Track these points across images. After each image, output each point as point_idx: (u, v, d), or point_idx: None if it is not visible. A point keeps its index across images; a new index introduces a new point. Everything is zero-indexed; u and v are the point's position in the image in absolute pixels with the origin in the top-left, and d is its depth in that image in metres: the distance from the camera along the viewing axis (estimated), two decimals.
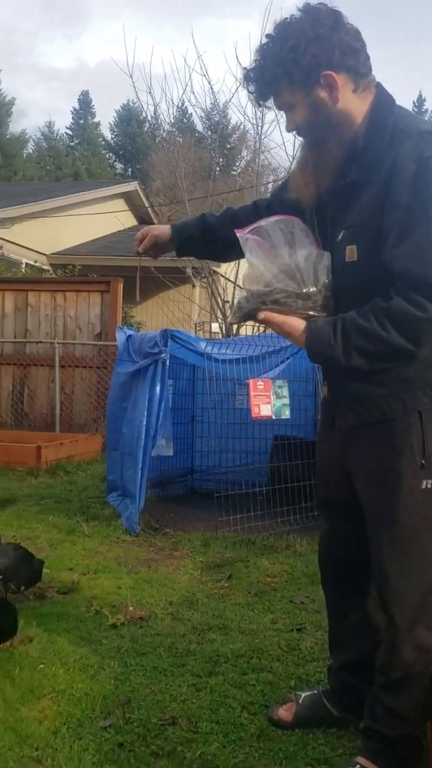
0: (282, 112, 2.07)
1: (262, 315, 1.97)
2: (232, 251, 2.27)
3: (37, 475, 6.74)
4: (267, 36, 1.96)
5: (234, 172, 15.67)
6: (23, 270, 14.41)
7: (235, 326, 9.90)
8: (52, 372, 8.89)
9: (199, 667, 2.80)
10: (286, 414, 5.03)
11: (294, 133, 2.08)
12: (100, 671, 2.73)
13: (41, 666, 2.74)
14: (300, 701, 2.37)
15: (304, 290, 1.96)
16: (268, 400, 4.88)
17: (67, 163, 44.08)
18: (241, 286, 2.05)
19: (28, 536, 4.72)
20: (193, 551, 4.51)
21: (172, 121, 14.74)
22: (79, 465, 7.29)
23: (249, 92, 2.06)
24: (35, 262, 14.92)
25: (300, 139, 2.13)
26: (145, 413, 4.98)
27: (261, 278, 1.97)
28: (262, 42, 1.97)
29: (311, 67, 1.90)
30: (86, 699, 2.51)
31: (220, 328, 9.96)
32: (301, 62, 1.90)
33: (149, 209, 19.98)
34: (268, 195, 2.50)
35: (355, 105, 1.96)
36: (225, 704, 2.51)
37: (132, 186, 19.61)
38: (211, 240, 2.43)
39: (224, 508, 4.96)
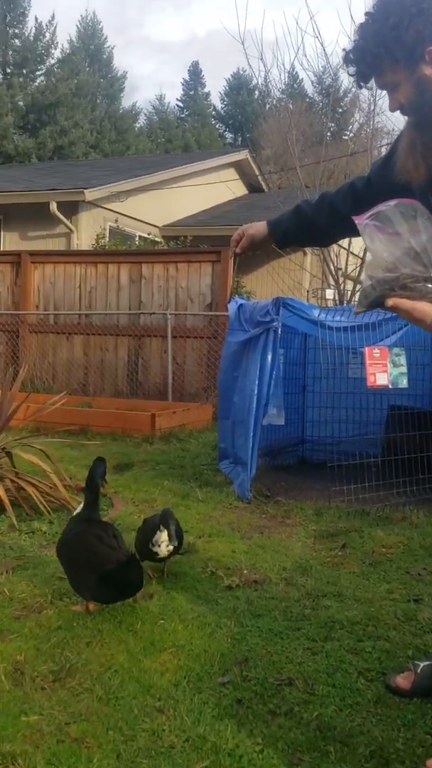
0: (385, 91, 1.99)
1: (390, 302, 1.90)
2: (332, 237, 2.31)
3: (152, 442, 6.95)
4: (366, 14, 1.87)
5: (346, 137, 15.22)
6: (137, 242, 14.73)
7: (349, 293, 9.72)
8: (165, 343, 9.08)
9: (314, 631, 2.81)
10: (404, 383, 4.89)
11: (398, 112, 1.99)
12: (218, 630, 2.80)
13: (161, 621, 2.84)
14: (419, 671, 2.34)
15: None
16: (385, 369, 4.76)
17: (178, 135, 44.35)
18: (366, 274, 1.98)
19: (145, 499, 4.89)
20: (306, 520, 4.52)
21: (283, 87, 14.51)
22: (191, 433, 7.44)
23: (349, 74, 1.99)
24: (148, 234, 15.20)
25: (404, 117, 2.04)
26: (257, 382, 5.00)
27: (385, 264, 1.90)
28: (362, 20, 1.90)
29: (415, 43, 1.80)
30: (205, 655, 2.59)
31: (334, 295, 9.79)
32: (405, 39, 1.80)
33: (259, 177, 19.83)
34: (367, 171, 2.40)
35: None
36: (341, 669, 2.52)
37: (242, 155, 19.49)
38: (308, 230, 2.43)
39: (337, 478, 4.93)
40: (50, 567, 3.44)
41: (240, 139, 47.18)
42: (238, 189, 19.64)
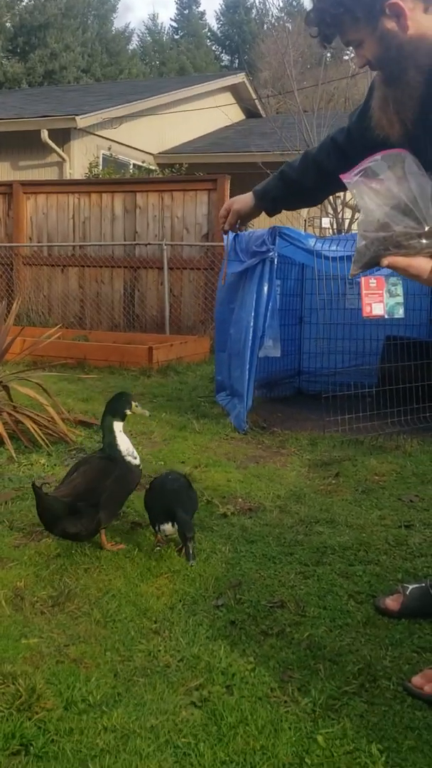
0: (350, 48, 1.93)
1: (386, 261, 1.87)
2: (322, 195, 2.35)
3: (150, 375, 6.96)
4: None
5: (347, 57, 14.64)
6: (131, 171, 14.38)
7: (347, 222, 9.54)
8: (161, 274, 8.98)
9: (306, 556, 2.89)
10: (400, 313, 4.79)
11: (366, 68, 1.93)
12: (212, 555, 2.88)
13: (157, 548, 2.91)
14: (407, 593, 2.41)
15: (426, 228, 1.84)
16: (381, 299, 4.68)
17: (172, 58, 42.69)
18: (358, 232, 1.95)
19: (143, 431, 4.93)
20: (301, 449, 4.57)
21: (281, 5, 13.81)
22: (188, 366, 7.45)
23: (312, 36, 1.93)
24: (143, 162, 14.83)
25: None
26: (253, 314, 4.97)
27: (378, 223, 1.85)
28: None
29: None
30: (200, 580, 2.67)
31: (331, 224, 9.62)
32: None
33: (257, 102, 19.21)
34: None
35: (430, 25, 1.78)
36: (332, 592, 2.59)
37: (239, 78, 18.82)
38: (298, 193, 2.40)
39: (332, 408, 4.96)
40: None
41: (237, 61, 45.46)
42: (235, 114, 19.05)
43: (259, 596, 2.55)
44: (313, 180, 2.32)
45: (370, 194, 1.87)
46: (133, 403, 3.10)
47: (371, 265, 1.91)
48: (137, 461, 3.02)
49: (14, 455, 4.18)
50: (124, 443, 3.02)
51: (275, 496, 3.65)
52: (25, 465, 4.11)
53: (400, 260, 1.85)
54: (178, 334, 8.84)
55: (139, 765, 1.68)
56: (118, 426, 3.05)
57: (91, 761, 1.69)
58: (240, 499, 3.57)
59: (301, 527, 3.21)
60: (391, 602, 2.45)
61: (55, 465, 4.12)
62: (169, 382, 6.74)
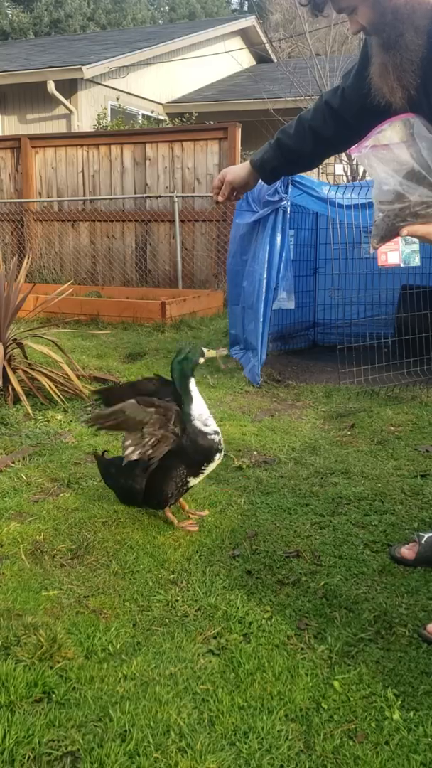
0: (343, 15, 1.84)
1: (405, 231, 1.82)
2: (321, 159, 2.32)
3: (163, 330, 6.93)
4: None
5: None
6: (140, 122, 14.09)
7: (361, 169, 9.30)
8: (173, 227, 8.86)
9: (322, 507, 2.90)
10: (416, 261, 4.69)
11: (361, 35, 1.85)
12: (228, 507, 2.90)
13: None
14: (423, 542, 2.42)
15: None
16: (397, 247, 4.59)
17: (181, 3, 41.36)
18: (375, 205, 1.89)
19: None
20: (316, 402, 4.56)
21: None
22: (202, 320, 7.41)
23: (302, 5, 1.85)
24: (152, 112, 14.53)
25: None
26: (266, 266, 4.90)
27: (392, 193, 1.80)
28: None
29: None
30: (216, 531, 2.69)
31: (345, 171, 9.40)
32: None
33: (268, 46, 18.63)
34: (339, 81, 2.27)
35: None
36: (347, 542, 2.61)
37: (249, 21, 18.24)
38: (296, 161, 2.35)
39: (347, 360, 4.92)
40: (66, 453, 3.53)
41: (247, 3, 43.94)
42: (246, 60, 18.53)
43: (275, 546, 2.57)
44: (310, 147, 2.26)
45: (382, 165, 1.82)
46: (204, 349, 2.75)
47: (390, 235, 1.87)
48: (209, 429, 2.64)
49: (31, 412, 4.20)
50: (198, 407, 2.65)
51: (290, 448, 3.66)
52: (41, 422, 4.13)
53: (420, 228, 1.81)
54: (191, 288, 8.77)
55: (158, 711, 1.72)
56: (192, 384, 2.69)
57: (112, 708, 1.73)
58: (255, 452, 3.58)
59: (317, 478, 3.22)
60: (407, 551, 2.46)
61: (71, 421, 4.14)
62: (183, 337, 6.71)
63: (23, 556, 2.49)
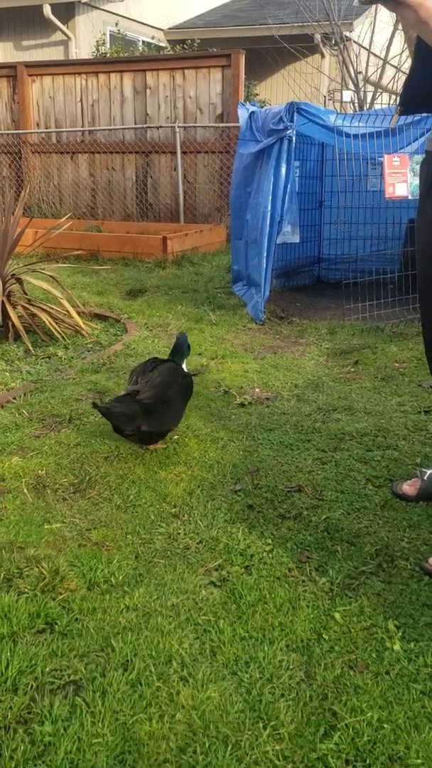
0: None
1: None
2: None
3: (164, 267, 6.82)
4: None
5: None
6: (140, 49, 13.54)
7: (369, 97, 8.97)
8: (174, 159, 8.62)
9: (324, 443, 2.88)
10: None
11: None
12: (230, 443, 2.88)
13: (176, 437, 2.92)
14: (425, 477, 2.40)
15: None
16: (405, 179, 4.49)
17: None
18: None
19: (159, 324, 4.87)
20: (319, 338, 4.50)
21: None
22: (204, 256, 7.27)
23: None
24: (152, 38, 13.94)
25: None
26: (270, 198, 4.77)
27: None
28: None
29: None
30: (217, 466, 2.68)
31: (352, 99, 9.05)
32: None
33: None
34: None
35: None
36: (350, 477, 2.60)
37: None
38: None
39: (352, 296, 4.84)
40: (68, 389, 3.50)
41: None
42: None
43: (277, 481, 2.56)
44: None
45: None
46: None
47: None
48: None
49: (31, 348, 4.16)
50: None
51: (293, 385, 3.62)
52: (42, 358, 4.09)
53: None
54: (193, 222, 8.59)
55: (160, 641, 1.73)
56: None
57: (114, 638, 1.74)
58: (257, 389, 3.55)
59: (319, 415, 3.19)
60: (408, 487, 2.45)
61: (72, 358, 4.10)
62: (185, 273, 6.61)
63: (25, 490, 2.49)
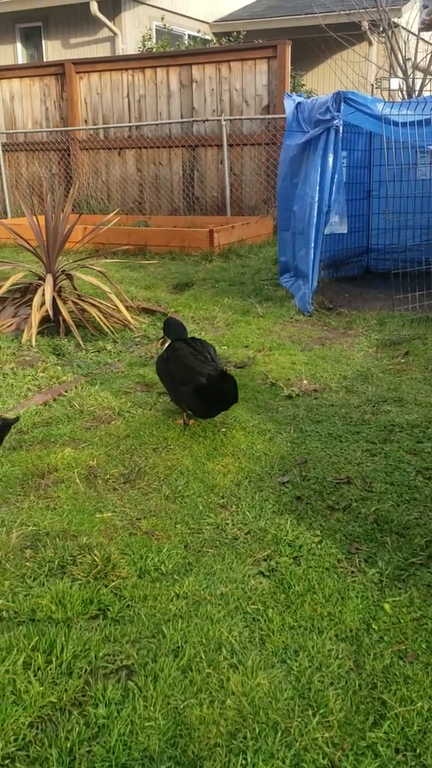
0: None
1: None
2: None
3: (211, 260, 6.84)
4: None
5: None
6: (186, 43, 13.56)
7: (418, 84, 8.77)
8: (220, 152, 8.62)
9: (373, 434, 2.86)
10: None
11: None
12: (277, 435, 2.88)
13: (223, 429, 2.94)
14: None
15: None
16: None
17: None
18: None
19: (205, 317, 4.90)
20: (368, 329, 4.46)
21: None
22: (251, 248, 7.27)
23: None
24: (198, 32, 13.94)
25: None
26: (317, 188, 4.73)
27: None
28: None
29: None
30: (265, 458, 2.69)
31: (400, 86, 8.90)
32: None
33: None
34: None
35: None
36: (399, 468, 2.58)
37: None
38: None
39: (402, 286, 4.78)
40: (117, 382, 3.56)
41: None
42: None
43: (325, 473, 2.56)
44: None
45: None
46: None
47: None
48: None
49: (81, 343, 4.23)
50: None
51: (341, 376, 3.60)
52: (92, 352, 4.16)
53: None
54: (239, 215, 8.58)
55: (210, 629, 1.75)
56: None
57: (165, 625, 1.77)
58: (305, 381, 3.54)
59: (368, 406, 3.17)
60: None
61: (120, 351, 4.16)
62: (231, 265, 6.62)
63: (77, 480, 2.55)
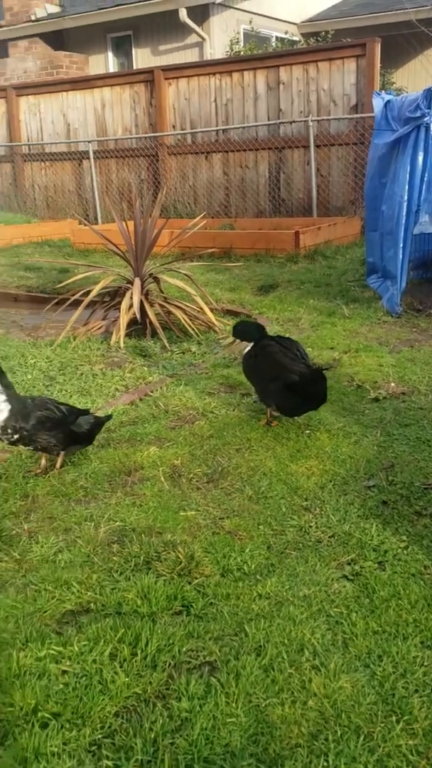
0: None
1: None
2: None
3: (297, 261, 6.81)
4: None
5: None
6: (273, 45, 13.56)
7: None
8: (307, 153, 8.57)
9: None
10: None
11: None
12: (363, 438, 2.84)
13: (307, 431, 2.93)
14: None
15: None
16: None
17: None
18: None
19: (290, 318, 4.89)
20: None
21: None
22: (337, 249, 7.19)
23: None
24: (285, 33, 13.91)
25: None
26: (406, 187, 4.63)
27: None
28: None
29: None
30: (350, 461, 2.66)
31: None
32: None
33: None
34: None
35: None
36: None
37: None
38: None
39: None
40: (201, 383, 3.60)
41: None
42: None
43: (413, 478, 2.50)
44: None
45: None
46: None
47: None
48: None
49: (167, 344, 4.31)
50: None
51: (431, 379, 3.51)
52: (177, 353, 4.23)
53: None
54: (326, 216, 8.50)
55: (293, 630, 1.75)
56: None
57: (248, 624, 1.79)
58: (392, 384, 3.47)
59: None
60: None
61: (204, 353, 4.21)
62: (317, 267, 6.57)
63: (162, 478, 2.60)
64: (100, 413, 3.05)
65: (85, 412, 2.79)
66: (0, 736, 1.48)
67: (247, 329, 3.23)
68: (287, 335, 4.43)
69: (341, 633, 1.75)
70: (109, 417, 2.92)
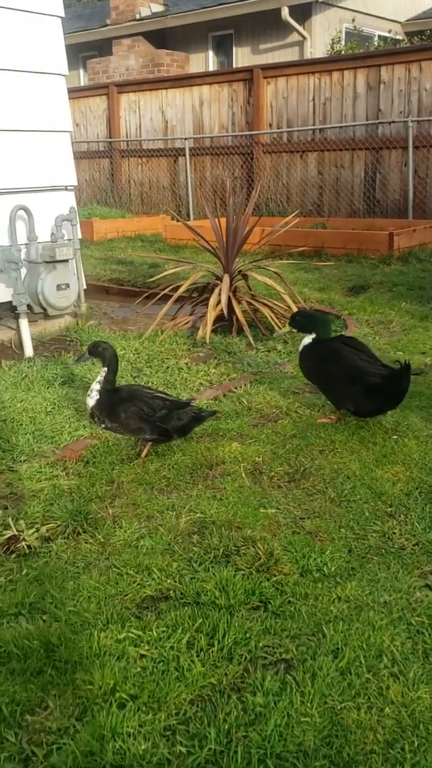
0: None
1: None
2: None
3: (389, 263, 6.68)
4: None
5: None
6: (376, 44, 13.33)
7: None
8: (405, 154, 8.39)
9: None
10: None
11: None
12: None
13: (395, 437, 2.87)
14: None
15: None
16: None
17: None
18: None
19: (380, 321, 4.80)
20: None
21: None
22: None
23: None
24: (389, 32, 13.66)
25: None
26: None
27: None
28: None
29: None
30: None
31: None
32: None
33: None
34: None
35: None
36: None
37: None
38: None
39: None
40: (285, 382, 3.59)
41: None
42: None
43: None
44: None
45: None
46: None
47: None
48: None
49: (252, 342, 4.31)
50: None
51: None
52: (262, 351, 4.23)
53: None
54: (422, 218, 8.30)
55: (371, 635, 1.72)
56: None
57: (325, 625, 1.77)
58: None
59: None
60: None
61: (290, 352, 4.19)
62: (411, 269, 6.42)
63: (243, 474, 2.60)
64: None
65: (185, 404, 2.82)
66: (79, 712, 1.53)
67: (308, 321, 3.12)
68: (377, 338, 4.37)
69: (422, 642, 1.71)
70: (213, 413, 2.93)
